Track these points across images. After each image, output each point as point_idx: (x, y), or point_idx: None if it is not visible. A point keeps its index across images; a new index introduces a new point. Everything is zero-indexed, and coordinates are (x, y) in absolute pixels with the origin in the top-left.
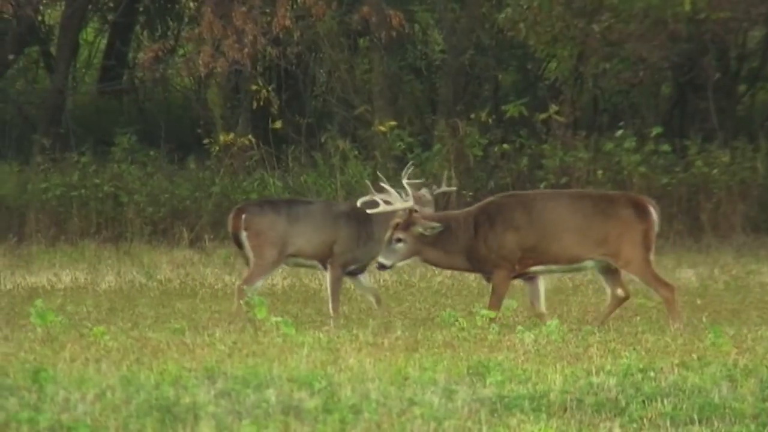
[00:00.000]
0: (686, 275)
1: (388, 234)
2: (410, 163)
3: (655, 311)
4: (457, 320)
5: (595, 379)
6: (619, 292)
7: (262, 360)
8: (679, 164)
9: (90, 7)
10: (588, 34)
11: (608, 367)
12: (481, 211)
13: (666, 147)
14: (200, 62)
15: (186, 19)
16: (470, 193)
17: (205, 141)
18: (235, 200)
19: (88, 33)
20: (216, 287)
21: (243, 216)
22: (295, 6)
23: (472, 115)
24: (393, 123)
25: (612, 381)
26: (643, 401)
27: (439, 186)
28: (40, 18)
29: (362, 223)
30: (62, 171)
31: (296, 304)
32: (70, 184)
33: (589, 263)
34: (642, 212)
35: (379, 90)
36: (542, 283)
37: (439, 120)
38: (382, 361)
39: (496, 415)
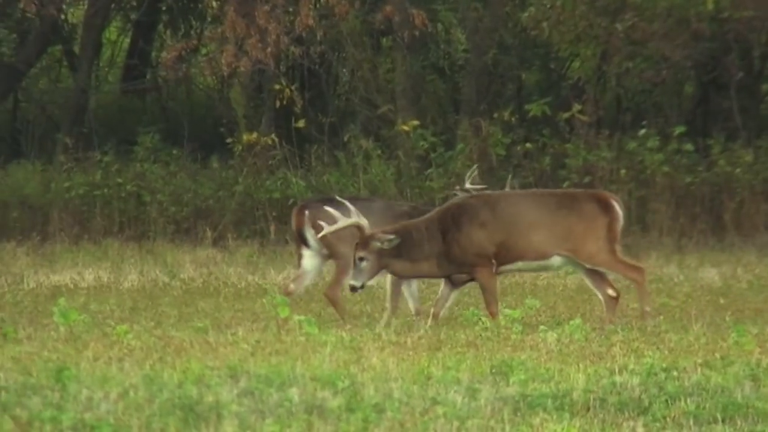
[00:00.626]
0: (709, 274)
1: (353, 254)
2: (474, 166)
3: (678, 310)
4: (480, 319)
5: (618, 378)
6: (610, 292)
7: (285, 359)
8: (702, 163)
9: (113, 6)
10: (611, 33)
11: (631, 367)
12: (444, 216)
13: (689, 146)
14: (223, 61)
15: (209, 18)
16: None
17: (228, 140)
18: (258, 199)
19: (111, 32)
20: (239, 286)
21: (306, 213)
22: (318, 5)
23: (495, 115)
24: (416, 122)
25: (635, 380)
26: (666, 400)
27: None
28: (63, 17)
29: None
30: (85, 170)
31: (319, 303)
32: (93, 183)
33: (556, 259)
34: (605, 206)
35: (402, 89)
36: (455, 295)
37: (462, 119)
38: (405, 360)
39: (519, 414)
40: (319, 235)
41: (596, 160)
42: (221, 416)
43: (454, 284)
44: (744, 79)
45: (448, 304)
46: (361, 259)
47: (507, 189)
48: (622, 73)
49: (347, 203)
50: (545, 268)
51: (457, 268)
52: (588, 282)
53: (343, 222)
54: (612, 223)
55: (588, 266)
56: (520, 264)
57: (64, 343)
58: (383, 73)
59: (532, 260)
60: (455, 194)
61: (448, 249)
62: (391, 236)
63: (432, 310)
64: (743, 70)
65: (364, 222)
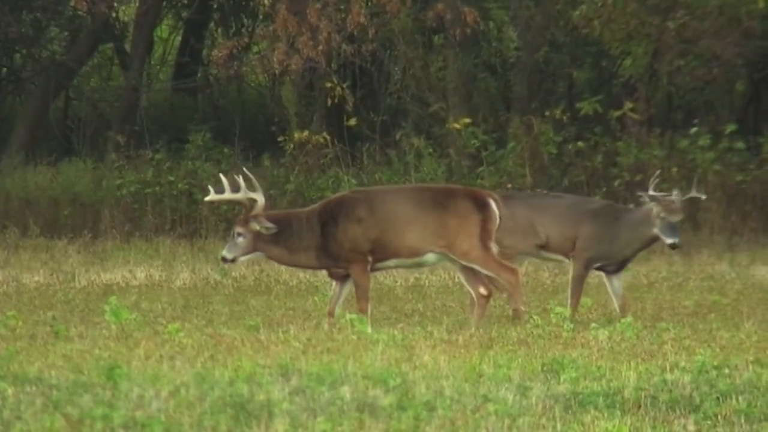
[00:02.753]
0: (761, 272)
1: (233, 228)
2: (657, 172)
3: (730, 308)
4: (531, 317)
5: (669, 376)
6: (482, 290)
7: (336, 357)
8: (754, 161)
9: (164, 3)
10: (662, 31)
11: (682, 364)
12: (324, 209)
13: (740, 144)
14: (274, 59)
15: (260, 16)
16: (544, 191)
17: (280, 138)
18: (310, 198)
19: (163, 30)
20: (291, 284)
21: None
22: (369, 3)
23: (547, 113)
24: (467, 120)
25: (686, 378)
26: (718, 398)
27: (689, 191)
28: (114, 15)
29: (609, 222)
30: (137, 168)
31: (370, 302)
32: (144, 181)
33: (430, 257)
34: (480, 204)
35: (454, 87)
36: (348, 287)
37: (513, 117)
38: (456, 358)
39: (570, 411)
40: (208, 198)
41: (648, 159)
42: (272, 414)
43: (338, 279)
44: None
45: (341, 301)
46: (239, 234)
47: (693, 193)
48: (674, 71)
49: (251, 177)
50: (420, 265)
51: (334, 263)
52: (462, 279)
53: (227, 195)
54: (486, 222)
55: (463, 263)
56: (395, 261)
57: (115, 341)
58: (435, 71)
59: (407, 257)
60: (641, 199)
61: (325, 242)
62: (270, 224)
63: (327, 308)
64: None
65: (243, 199)
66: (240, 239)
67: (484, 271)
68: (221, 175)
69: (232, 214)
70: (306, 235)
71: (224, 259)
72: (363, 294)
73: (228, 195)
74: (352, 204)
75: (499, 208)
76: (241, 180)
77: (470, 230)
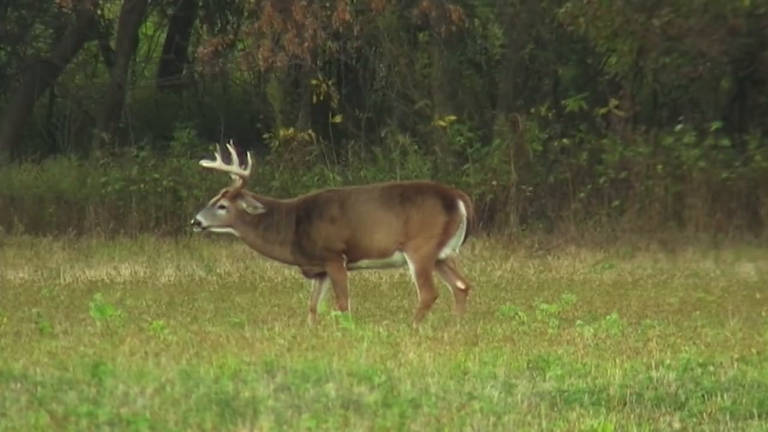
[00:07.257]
0: (745, 269)
1: (215, 198)
2: None
3: (715, 305)
4: (516, 314)
5: (654, 374)
6: (459, 284)
7: (321, 354)
8: (739, 159)
9: (149, 1)
10: (648, 29)
11: (668, 362)
12: (300, 207)
13: (725, 141)
14: (260, 56)
15: (245, 13)
16: (530, 188)
17: (265, 135)
18: (295, 195)
19: (148, 27)
20: (276, 281)
21: None
22: (354, 0)
23: (532, 110)
24: (452, 117)
25: (671, 375)
26: (703, 396)
27: None
28: (99, 12)
29: None
30: (121, 165)
31: (356, 299)
32: (129, 178)
33: (398, 255)
34: (448, 205)
35: (439, 84)
36: (327, 284)
37: (498, 115)
38: (441, 355)
39: (555, 409)
40: (207, 164)
41: (633, 156)
42: (258, 411)
43: (311, 277)
44: None
45: (321, 296)
46: (222, 207)
47: None
48: (659, 68)
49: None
50: (390, 266)
51: (309, 260)
52: (438, 275)
53: (234, 168)
54: (449, 224)
55: (406, 257)
56: (366, 262)
57: (100, 338)
58: (420, 68)
59: (377, 258)
60: None
61: (299, 240)
62: (259, 205)
63: (309, 304)
64: None
65: (244, 174)
66: (221, 212)
67: (412, 276)
68: (231, 148)
69: None
70: (284, 229)
71: (197, 224)
72: (342, 291)
73: (235, 168)
74: (326, 203)
75: (468, 211)
76: (232, 151)
77: (431, 231)
